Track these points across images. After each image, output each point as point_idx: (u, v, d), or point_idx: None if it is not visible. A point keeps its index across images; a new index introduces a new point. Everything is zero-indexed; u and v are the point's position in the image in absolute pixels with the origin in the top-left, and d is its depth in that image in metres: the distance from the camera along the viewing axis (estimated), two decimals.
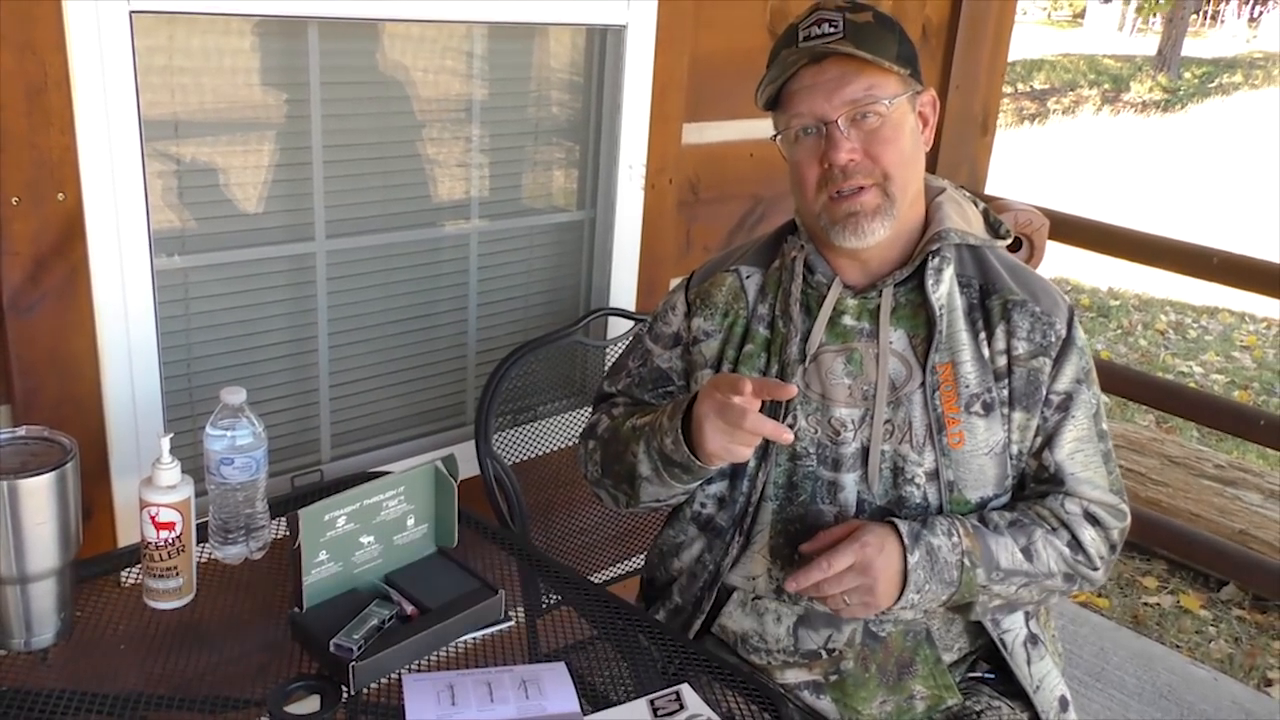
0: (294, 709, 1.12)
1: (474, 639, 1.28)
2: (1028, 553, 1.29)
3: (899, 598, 1.25)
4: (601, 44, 2.05)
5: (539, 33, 2.00)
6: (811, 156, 1.30)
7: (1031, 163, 10.88)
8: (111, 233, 1.48)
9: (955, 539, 1.27)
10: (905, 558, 1.24)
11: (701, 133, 2.23)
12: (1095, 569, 1.34)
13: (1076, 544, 1.32)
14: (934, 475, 1.31)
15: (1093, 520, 1.34)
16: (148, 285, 1.54)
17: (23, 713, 1.10)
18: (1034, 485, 1.36)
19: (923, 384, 1.31)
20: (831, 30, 1.25)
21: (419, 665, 1.23)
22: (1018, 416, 1.32)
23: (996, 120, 3.05)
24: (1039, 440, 1.34)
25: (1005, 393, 1.31)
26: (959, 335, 1.32)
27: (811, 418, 1.35)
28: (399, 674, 1.20)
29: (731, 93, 2.25)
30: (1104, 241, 3.21)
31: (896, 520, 1.27)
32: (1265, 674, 2.85)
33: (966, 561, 1.26)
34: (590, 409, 1.60)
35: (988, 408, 1.31)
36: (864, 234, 1.30)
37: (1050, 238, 2.99)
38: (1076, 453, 1.33)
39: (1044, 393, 1.32)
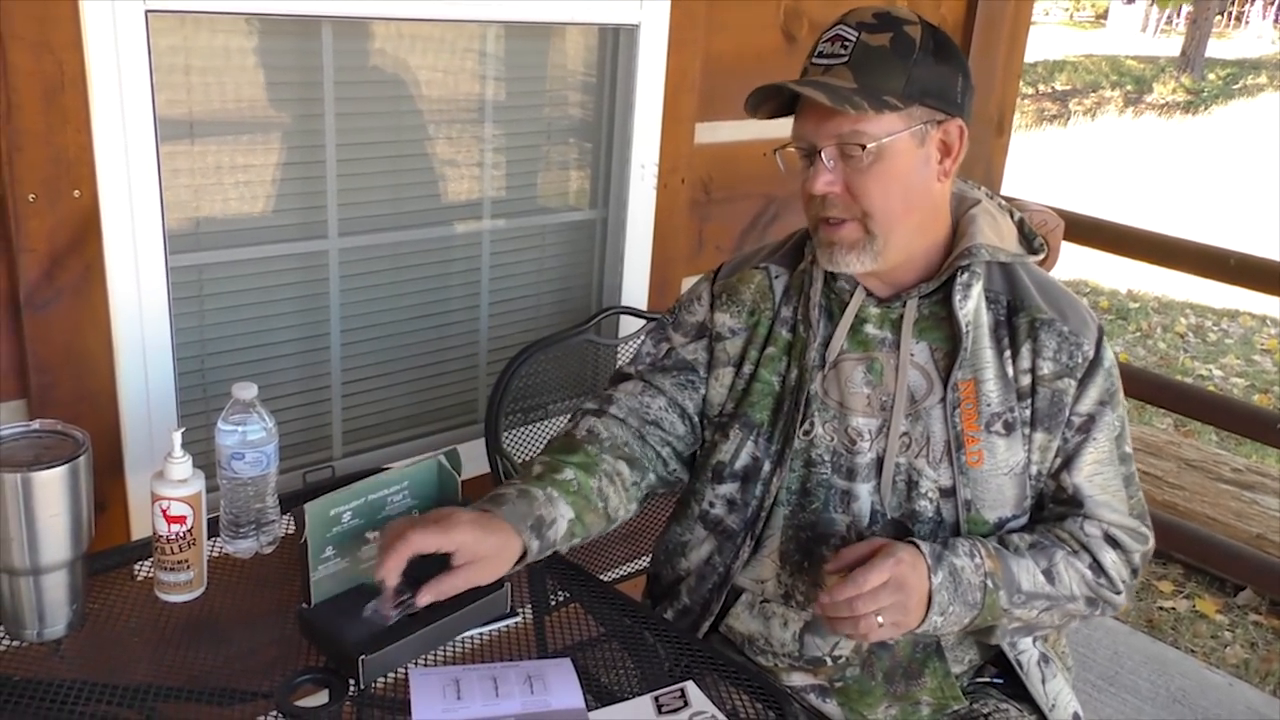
0: (302, 702, 1.13)
1: (482, 635, 1.29)
2: (1049, 575, 1.26)
3: (923, 620, 1.22)
4: (614, 43, 2.05)
5: (552, 32, 2.00)
6: (804, 178, 1.29)
7: (1053, 164, 10.82)
8: (127, 230, 1.50)
9: (978, 560, 1.24)
10: (930, 578, 1.21)
11: (714, 132, 2.23)
12: (1118, 592, 1.31)
13: (1098, 567, 1.29)
14: (950, 492, 1.29)
15: (1114, 543, 1.31)
16: (162, 282, 1.56)
17: (35, 702, 1.11)
18: (1052, 506, 1.34)
19: (943, 399, 1.29)
20: (840, 52, 1.22)
21: (426, 660, 1.23)
22: (1039, 437, 1.29)
23: (1013, 120, 3.03)
24: (1058, 461, 1.31)
25: (1028, 413, 1.29)
26: (983, 353, 1.30)
27: (828, 425, 1.34)
28: (405, 668, 1.20)
29: (744, 92, 2.23)
30: (1120, 243, 3.20)
31: (918, 541, 1.24)
32: None
33: (989, 583, 1.23)
34: None
35: (1009, 427, 1.29)
36: (840, 264, 1.30)
37: (1067, 239, 2.98)
38: (1096, 475, 1.31)
39: (1066, 414, 1.29)
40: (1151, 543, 1.35)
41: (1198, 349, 6.08)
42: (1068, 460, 1.31)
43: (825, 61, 1.24)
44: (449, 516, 1.17)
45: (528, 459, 1.42)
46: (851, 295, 1.34)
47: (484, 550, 1.17)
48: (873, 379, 1.32)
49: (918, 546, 1.23)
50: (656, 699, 1.18)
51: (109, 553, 1.39)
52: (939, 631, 1.25)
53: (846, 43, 1.22)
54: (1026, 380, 1.29)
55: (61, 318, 1.48)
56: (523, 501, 1.26)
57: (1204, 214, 8.68)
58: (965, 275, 1.30)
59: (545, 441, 1.97)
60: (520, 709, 1.15)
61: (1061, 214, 2.92)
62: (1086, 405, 1.30)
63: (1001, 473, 1.29)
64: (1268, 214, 9.05)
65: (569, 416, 1.52)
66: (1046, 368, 1.29)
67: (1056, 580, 1.27)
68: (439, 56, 1.88)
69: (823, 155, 1.25)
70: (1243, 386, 5.51)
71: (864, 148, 1.22)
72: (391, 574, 1.13)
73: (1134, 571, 1.33)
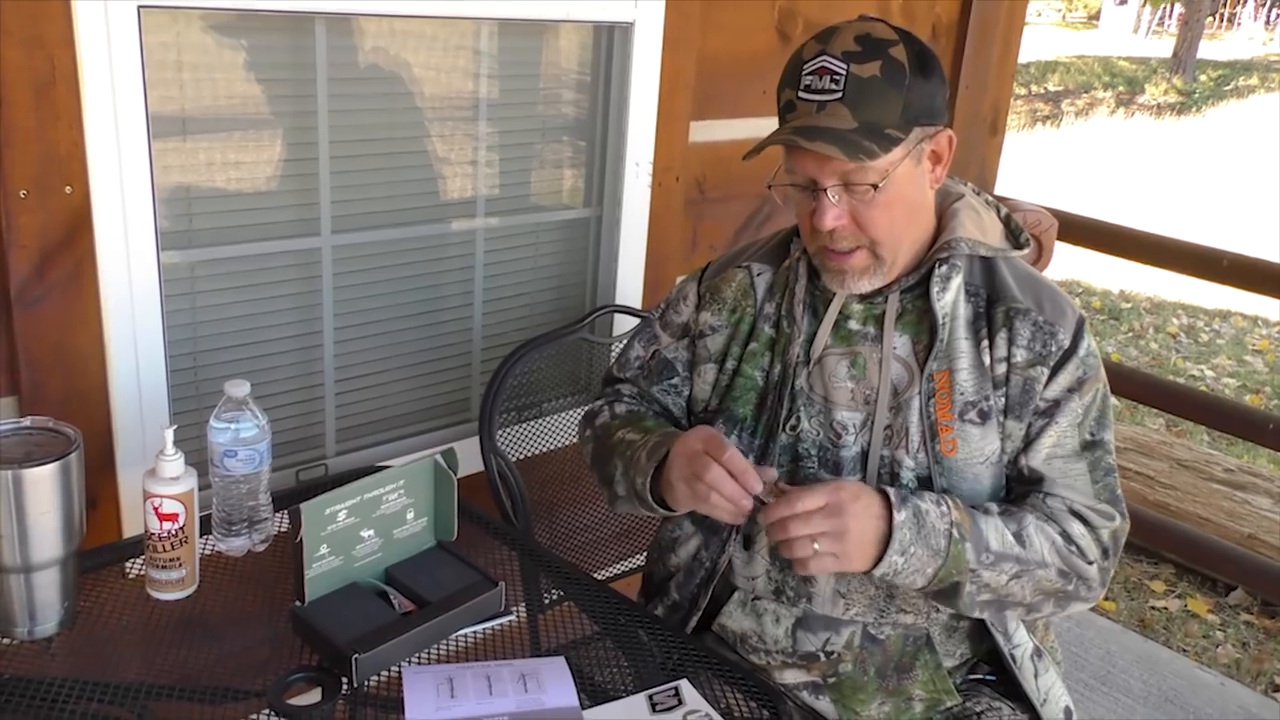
0: (294, 700, 1.13)
1: (476, 634, 1.29)
2: (1020, 538, 1.25)
3: (880, 560, 1.21)
4: (609, 42, 2.05)
5: (547, 30, 2.00)
6: (805, 209, 1.29)
7: (1045, 165, 10.84)
8: (118, 227, 1.49)
9: (944, 509, 1.23)
10: (890, 517, 1.20)
11: (708, 131, 2.23)
12: (1090, 563, 1.29)
13: (1067, 535, 1.28)
14: (927, 482, 1.30)
15: (1079, 517, 1.30)
16: (154, 279, 1.55)
17: (25, 701, 1.10)
18: (1016, 487, 1.34)
19: (920, 390, 1.30)
20: (832, 88, 1.20)
21: (419, 659, 1.23)
22: (1010, 425, 1.30)
23: (1006, 121, 3.04)
24: (1021, 445, 1.31)
25: (1002, 401, 1.30)
26: (959, 343, 1.31)
27: (814, 419, 1.35)
28: (399, 667, 1.20)
29: (739, 91, 2.25)
30: (1113, 243, 3.20)
31: (885, 486, 1.24)
32: (1273, 679, 2.84)
33: (955, 533, 1.22)
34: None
35: (984, 416, 1.29)
36: (850, 287, 1.32)
37: (1060, 239, 2.98)
38: (1053, 458, 1.30)
39: (1036, 400, 1.29)
40: (1119, 523, 1.32)
41: (1189, 349, 6.10)
42: (1028, 443, 1.30)
43: (817, 98, 1.22)
44: (708, 431, 1.28)
45: (608, 442, 1.44)
46: (835, 292, 1.35)
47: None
48: (856, 373, 1.33)
49: (883, 491, 1.23)
50: (651, 697, 1.18)
51: (100, 550, 1.39)
52: (899, 574, 1.22)
53: (836, 76, 1.20)
54: (1002, 369, 1.30)
55: (52, 314, 1.47)
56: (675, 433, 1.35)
57: (1196, 215, 8.71)
58: (944, 268, 1.31)
59: (541, 440, 1.98)
60: (514, 708, 1.15)
61: (1055, 214, 2.93)
62: (1054, 391, 1.30)
63: (977, 462, 1.30)
64: (1260, 215, 9.09)
65: (584, 417, 1.53)
66: (1020, 356, 1.30)
67: (1027, 543, 1.25)
68: (433, 54, 1.88)
69: (828, 193, 1.24)
70: (1234, 387, 5.53)
71: (875, 186, 1.23)
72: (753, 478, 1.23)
73: (1105, 552, 1.30)
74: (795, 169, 1.27)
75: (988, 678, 1.44)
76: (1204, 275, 3.01)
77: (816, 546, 1.19)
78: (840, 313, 1.35)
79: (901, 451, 1.30)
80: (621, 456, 1.38)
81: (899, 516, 1.21)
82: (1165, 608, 3.14)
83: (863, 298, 1.35)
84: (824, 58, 1.22)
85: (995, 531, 1.25)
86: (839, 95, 1.20)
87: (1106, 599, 3.14)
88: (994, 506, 1.28)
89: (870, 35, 1.22)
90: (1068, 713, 1.43)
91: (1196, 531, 3.31)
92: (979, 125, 2.91)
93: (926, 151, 1.27)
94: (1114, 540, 1.31)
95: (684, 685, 1.20)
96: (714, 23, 2.15)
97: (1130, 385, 3.30)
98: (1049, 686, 1.41)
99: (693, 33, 2.11)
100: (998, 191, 3.11)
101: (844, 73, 1.20)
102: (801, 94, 1.23)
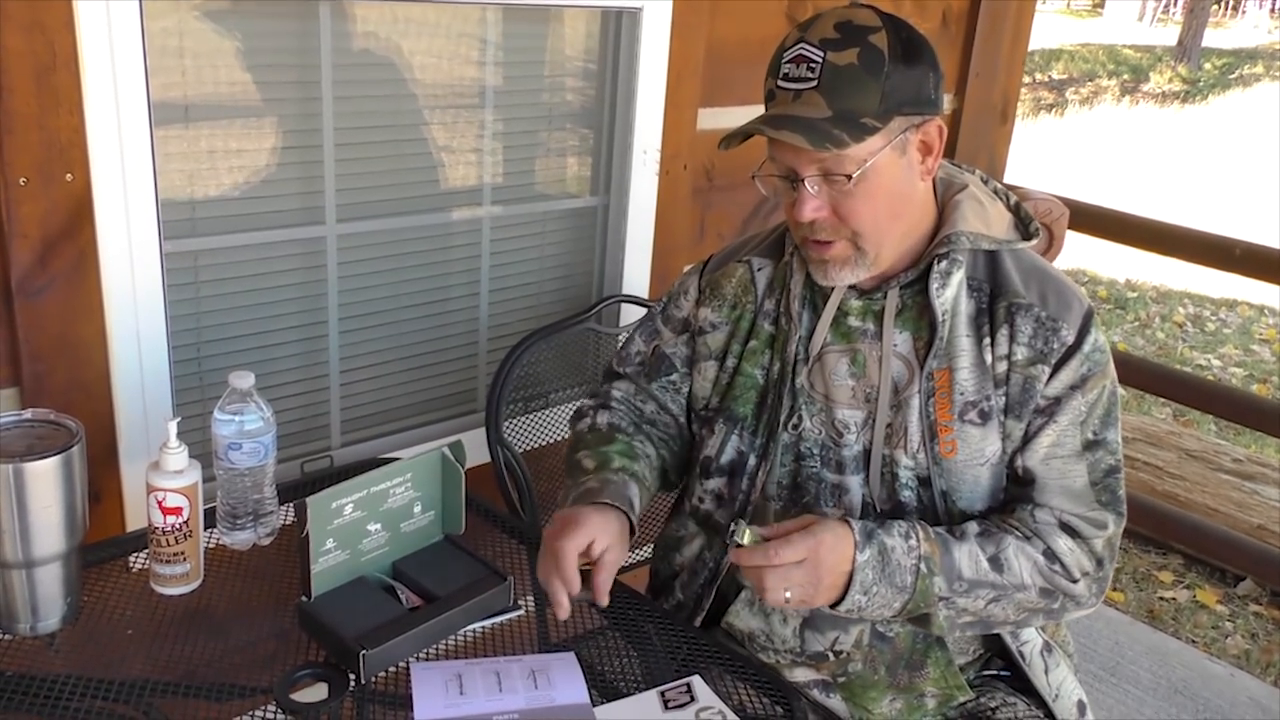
0: (301, 697, 1.12)
1: (483, 628, 1.27)
2: (996, 562, 1.22)
3: (843, 598, 1.19)
4: (616, 28, 2.03)
5: (553, 16, 1.98)
6: (787, 200, 1.26)
7: (1049, 153, 10.80)
8: (120, 215, 1.47)
9: (913, 542, 1.20)
10: (854, 556, 1.18)
11: (716, 118, 2.20)
12: (1074, 581, 1.25)
13: (1051, 553, 1.25)
14: (927, 482, 1.27)
15: (1069, 530, 1.26)
16: (157, 268, 1.53)
17: (28, 699, 1.09)
18: (1011, 488, 1.30)
19: (920, 389, 1.27)
20: (808, 75, 1.18)
21: (427, 654, 1.22)
22: (1011, 424, 1.26)
23: (1016, 109, 3.01)
24: (1020, 444, 1.27)
25: (1003, 400, 1.26)
26: (959, 341, 1.27)
27: (815, 418, 1.32)
28: (407, 663, 1.19)
29: (747, 78, 2.21)
30: (1124, 232, 3.18)
31: (852, 520, 1.22)
32: None
33: (923, 567, 1.20)
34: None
35: (984, 416, 1.26)
36: (833, 279, 1.28)
37: (1071, 228, 2.96)
38: (1052, 459, 1.26)
39: (1036, 399, 1.26)
40: (1113, 529, 1.28)
41: (1196, 339, 6.08)
42: (1026, 442, 1.27)
43: (793, 86, 1.19)
44: (575, 516, 1.24)
45: (571, 457, 1.42)
46: (833, 287, 1.32)
47: (614, 532, 1.24)
48: (856, 371, 1.31)
49: (850, 524, 1.20)
50: (663, 694, 1.17)
51: (104, 544, 1.38)
52: (864, 612, 1.21)
53: (813, 64, 1.17)
54: (1002, 367, 1.26)
55: (54, 305, 1.46)
56: (611, 487, 1.31)
57: (1200, 203, 8.67)
58: (944, 263, 1.27)
59: (548, 431, 1.97)
60: (524, 704, 1.13)
61: (1066, 202, 2.90)
62: (1055, 389, 1.26)
63: (977, 463, 1.26)
64: (1264, 203, 9.06)
65: (573, 414, 1.51)
66: (1021, 353, 1.26)
67: (1005, 568, 1.22)
68: (437, 40, 1.86)
69: (806, 183, 1.21)
70: (1241, 376, 5.52)
71: (849, 176, 1.19)
72: (573, 584, 1.21)
73: (1098, 562, 1.27)
74: (776, 159, 1.24)
75: (1001, 673, 1.43)
76: (1217, 264, 2.99)
77: (788, 595, 1.17)
78: (839, 309, 1.32)
79: (900, 451, 1.28)
80: (572, 480, 1.37)
81: (861, 557, 1.18)
82: (1174, 598, 3.13)
83: (862, 294, 1.32)
84: (802, 45, 1.19)
85: (969, 558, 1.22)
86: (814, 84, 1.17)
87: (1116, 590, 3.12)
88: (972, 528, 1.25)
89: (851, 22, 1.19)
90: (1081, 707, 1.42)
91: (1205, 522, 3.29)
92: (989, 114, 2.89)
93: (914, 142, 1.23)
94: (1109, 547, 1.28)
95: (696, 681, 1.19)
96: (723, 8, 2.13)
97: (1137, 375, 3.28)
98: (1060, 681, 1.39)
99: (701, 19, 2.09)
100: (1006, 180, 3.08)
101: (820, 60, 1.17)
102: (780, 83, 1.21)
